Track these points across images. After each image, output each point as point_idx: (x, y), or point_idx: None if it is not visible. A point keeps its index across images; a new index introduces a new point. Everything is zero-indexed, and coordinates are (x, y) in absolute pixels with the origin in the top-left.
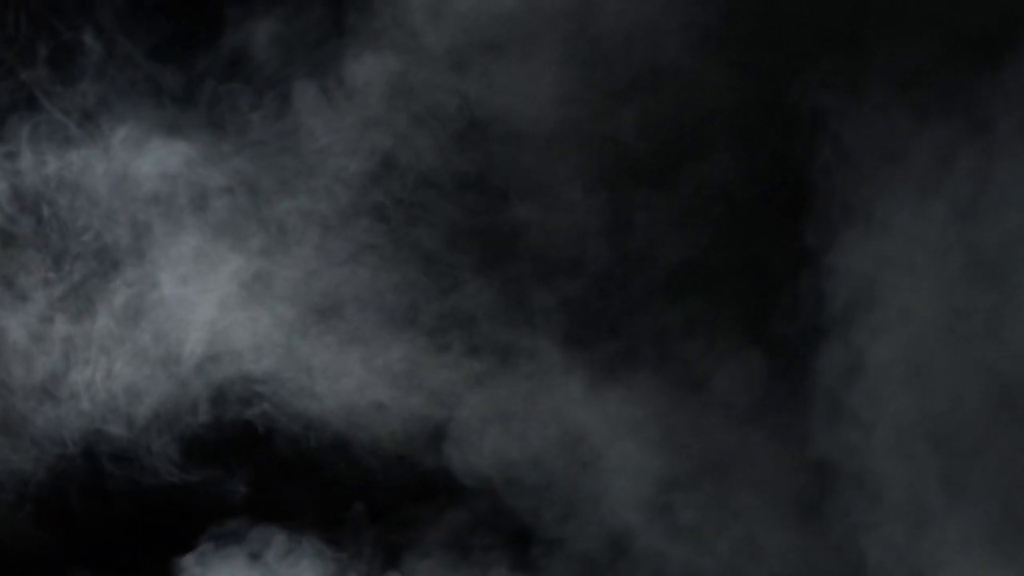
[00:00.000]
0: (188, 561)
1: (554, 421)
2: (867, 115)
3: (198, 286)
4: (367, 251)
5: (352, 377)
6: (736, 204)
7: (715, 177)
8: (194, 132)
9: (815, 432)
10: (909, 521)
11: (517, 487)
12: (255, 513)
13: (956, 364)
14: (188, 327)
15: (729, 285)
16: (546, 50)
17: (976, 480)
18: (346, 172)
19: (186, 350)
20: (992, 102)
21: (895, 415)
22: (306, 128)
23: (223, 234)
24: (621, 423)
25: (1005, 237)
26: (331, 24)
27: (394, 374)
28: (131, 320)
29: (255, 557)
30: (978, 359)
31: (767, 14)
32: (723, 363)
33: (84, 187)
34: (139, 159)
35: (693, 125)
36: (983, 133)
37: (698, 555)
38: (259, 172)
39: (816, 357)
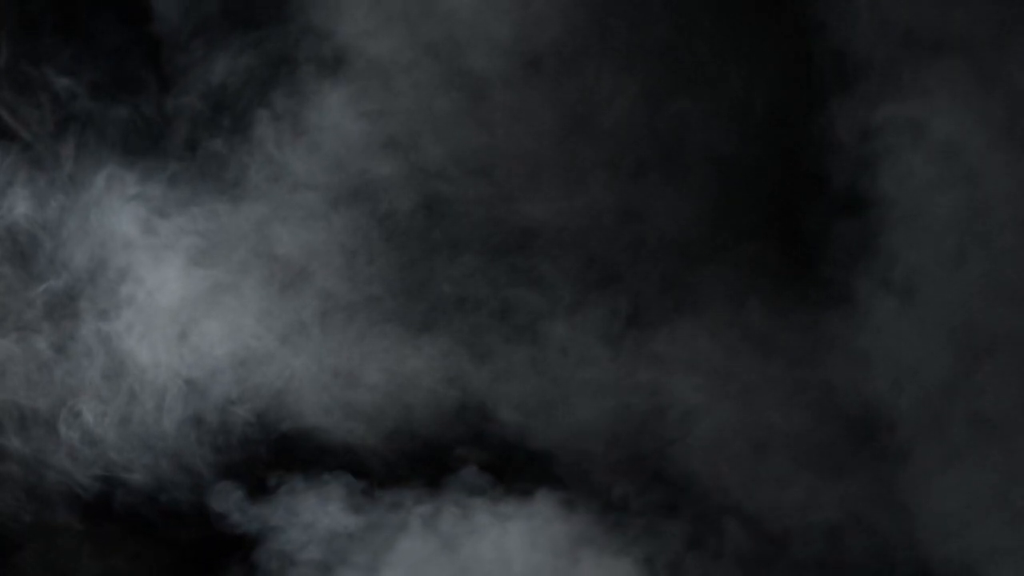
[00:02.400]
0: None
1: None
2: None
3: (188, 312)
4: (366, 265)
5: (386, 376)
6: (773, 97)
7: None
8: (168, 168)
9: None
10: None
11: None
12: None
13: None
14: (189, 352)
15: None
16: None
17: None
18: (320, 199)
19: (194, 374)
20: None
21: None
22: (278, 159)
23: (205, 264)
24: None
25: None
26: (295, 58)
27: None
28: (122, 352)
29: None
30: None
31: None
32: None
33: (62, 225)
34: (117, 196)
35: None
36: None
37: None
38: (237, 204)
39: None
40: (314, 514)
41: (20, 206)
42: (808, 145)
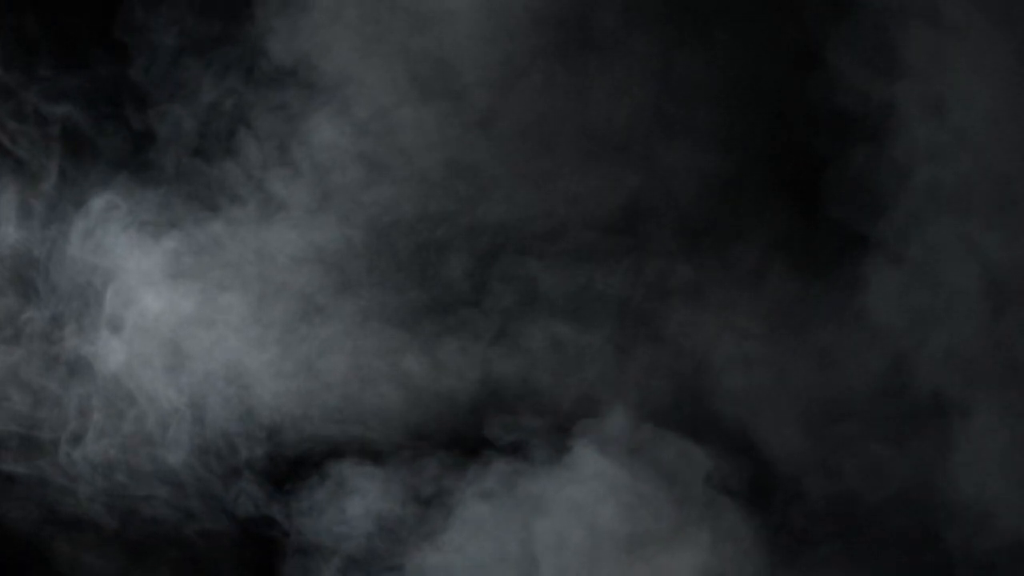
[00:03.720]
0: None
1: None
2: None
3: (187, 330)
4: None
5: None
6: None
7: None
8: (159, 188)
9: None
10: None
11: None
12: None
13: None
14: (196, 374)
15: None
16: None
17: None
18: (315, 210)
19: (207, 397)
20: None
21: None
22: (272, 176)
23: (202, 282)
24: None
25: None
26: (283, 76)
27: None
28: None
29: None
30: None
31: None
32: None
33: (51, 246)
34: (112, 224)
35: None
36: None
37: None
38: (230, 222)
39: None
40: (351, 506)
41: (10, 227)
42: (822, 113)
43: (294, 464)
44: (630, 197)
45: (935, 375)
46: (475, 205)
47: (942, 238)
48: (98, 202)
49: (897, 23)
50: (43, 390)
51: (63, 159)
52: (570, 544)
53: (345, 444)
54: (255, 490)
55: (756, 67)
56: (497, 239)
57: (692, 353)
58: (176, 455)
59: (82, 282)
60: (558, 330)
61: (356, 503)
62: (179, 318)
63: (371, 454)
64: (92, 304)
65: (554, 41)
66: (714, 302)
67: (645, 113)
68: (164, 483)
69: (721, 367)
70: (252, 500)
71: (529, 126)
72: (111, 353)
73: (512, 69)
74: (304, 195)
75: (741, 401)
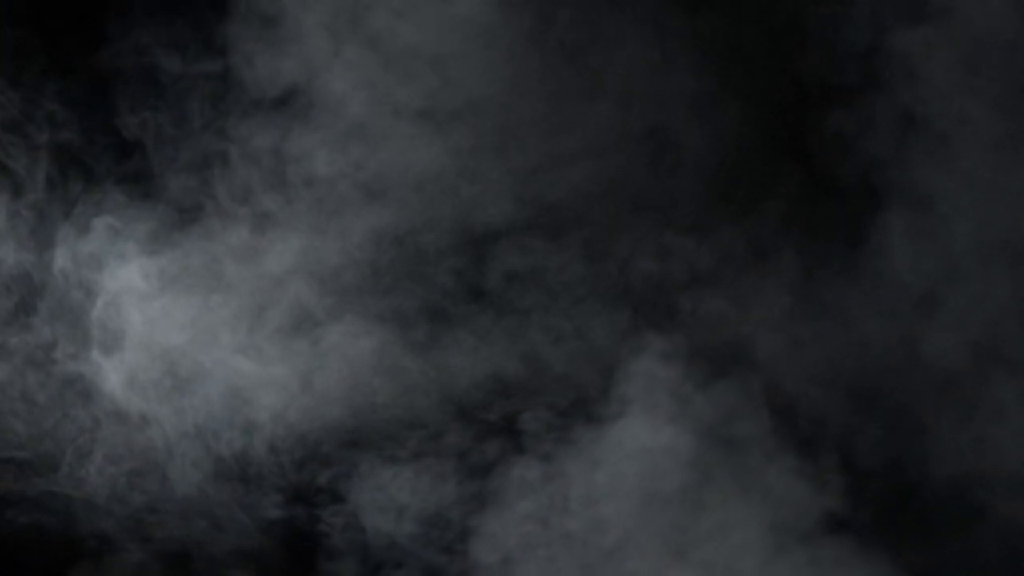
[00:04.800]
0: None
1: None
2: None
3: (194, 351)
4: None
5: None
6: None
7: None
8: (155, 206)
9: None
10: None
11: None
12: None
13: None
14: (202, 391)
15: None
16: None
17: None
18: (310, 219)
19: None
20: None
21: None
22: (269, 192)
23: (202, 297)
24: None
25: None
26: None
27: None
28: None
29: None
30: None
31: None
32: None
33: (59, 273)
34: (113, 244)
35: None
36: None
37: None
38: (227, 237)
39: None
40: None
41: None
42: (823, 79)
43: (315, 469)
44: (634, 181)
45: (962, 335)
46: (477, 204)
47: (955, 191)
48: (93, 220)
49: None
50: (42, 409)
51: (54, 174)
52: (616, 507)
53: (372, 442)
54: (279, 499)
55: (752, 39)
56: (503, 234)
57: (715, 333)
58: (191, 475)
59: (79, 300)
60: (572, 314)
61: (396, 497)
62: (179, 332)
63: (404, 450)
64: (85, 322)
65: (550, 34)
66: (732, 278)
67: (645, 100)
68: (179, 503)
69: (748, 340)
70: (277, 510)
71: (528, 118)
72: (111, 372)
73: (508, 61)
74: (303, 206)
75: (773, 370)
